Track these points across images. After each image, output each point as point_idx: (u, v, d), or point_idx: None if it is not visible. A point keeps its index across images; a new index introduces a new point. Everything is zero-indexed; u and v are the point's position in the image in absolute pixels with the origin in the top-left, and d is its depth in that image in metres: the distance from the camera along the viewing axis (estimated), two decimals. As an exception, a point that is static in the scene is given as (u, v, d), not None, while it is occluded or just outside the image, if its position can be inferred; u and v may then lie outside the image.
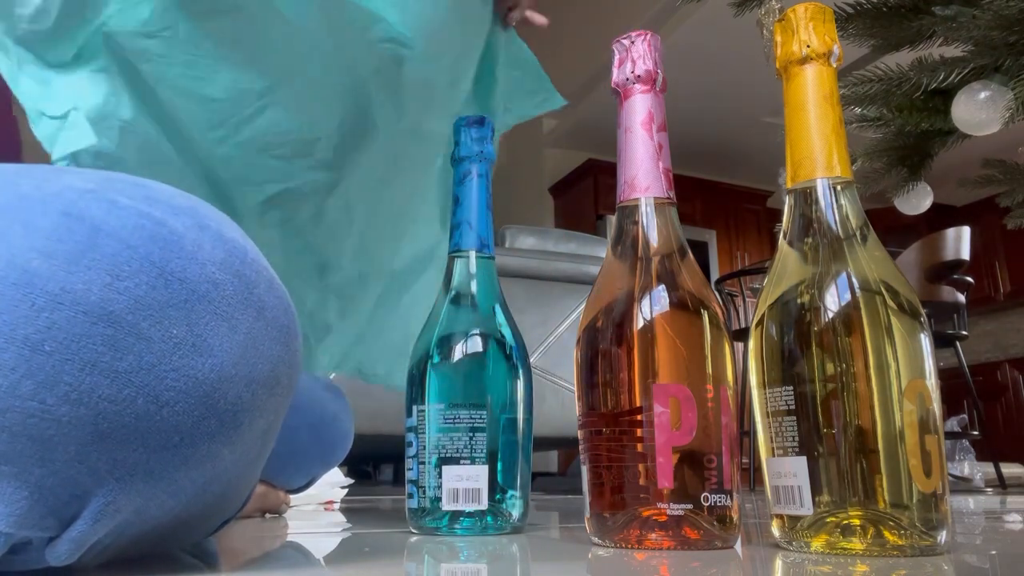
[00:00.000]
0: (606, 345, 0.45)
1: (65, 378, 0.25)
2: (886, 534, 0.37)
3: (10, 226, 0.26)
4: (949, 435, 2.33)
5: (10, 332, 0.25)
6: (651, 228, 0.47)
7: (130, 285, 0.27)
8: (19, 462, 0.25)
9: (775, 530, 0.42)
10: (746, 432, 2.40)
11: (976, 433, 2.43)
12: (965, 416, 2.64)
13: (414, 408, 0.54)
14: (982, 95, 0.90)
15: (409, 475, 0.54)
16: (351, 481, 1.13)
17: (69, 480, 0.26)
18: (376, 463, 3.18)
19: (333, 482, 1.08)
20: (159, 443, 0.27)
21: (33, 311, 0.25)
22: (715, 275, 4.20)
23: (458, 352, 0.54)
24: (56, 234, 0.26)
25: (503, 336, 0.55)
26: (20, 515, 0.26)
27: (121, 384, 0.26)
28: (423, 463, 0.52)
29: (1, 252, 0.26)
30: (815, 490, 0.39)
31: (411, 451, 0.54)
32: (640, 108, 0.48)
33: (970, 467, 2.29)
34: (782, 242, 0.45)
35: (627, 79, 0.49)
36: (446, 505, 0.51)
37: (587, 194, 4.21)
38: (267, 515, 0.78)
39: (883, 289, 0.40)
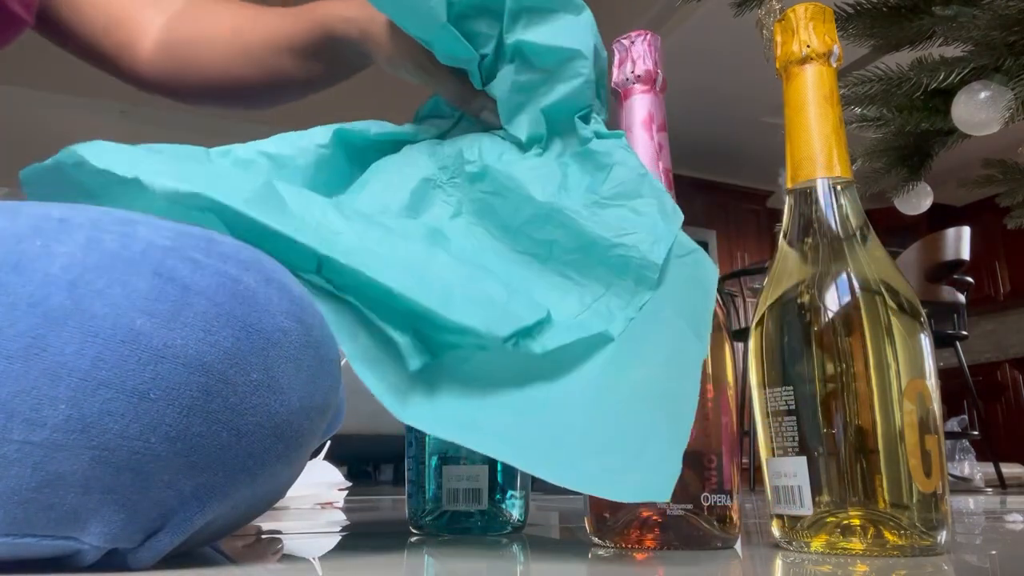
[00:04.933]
0: (606, 345, 0.45)
1: (167, 420, 0.30)
2: (886, 534, 0.37)
3: (110, 287, 0.30)
4: (949, 435, 2.33)
5: (120, 383, 0.29)
6: (651, 228, 0.47)
7: (219, 338, 0.31)
8: (120, 491, 0.30)
9: (775, 530, 0.42)
10: (746, 432, 2.40)
11: (976, 433, 2.43)
12: (965, 416, 2.63)
13: (414, 408, 0.54)
14: (982, 95, 0.90)
15: (409, 475, 0.54)
16: (350, 484, 1.13)
17: (159, 502, 0.31)
18: (376, 463, 3.18)
19: (333, 483, 1.08)
20: (236, 468, 0.32)
21: (140, 364, 0.29)
22: (715, 275, 4.19)
23: (458, 352, 0.53)
24: (153, 295, 0.30)
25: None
26: (115, 533, 0.30)
27: (211, 422, 0.31)
28: (423, 463, 0.52)
29: (108, 312, 0.29)
30: (815, 490, 0.39)
31: (411, 451, 0.54)
32: (640, 108, 0.48)
33: (970, 467, 2.29)
34: (782, 242, 0.45)
35: (627, 79, 0.49)
36: (446, 505, 0.51)
37: (587, 194, 4.20)
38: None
39: (883, 289, 0.40)
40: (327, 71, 0.60)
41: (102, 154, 0.39)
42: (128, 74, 0.67)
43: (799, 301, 0.42)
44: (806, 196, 0.44)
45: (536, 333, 0.42)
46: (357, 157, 0.53)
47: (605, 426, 0.40)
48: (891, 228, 3.67)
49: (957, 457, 2.36)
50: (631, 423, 0.39)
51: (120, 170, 0.37)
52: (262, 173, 0.49)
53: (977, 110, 0.90)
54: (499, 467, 0.52)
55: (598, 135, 0.49)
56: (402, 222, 0.47)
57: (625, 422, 0.39)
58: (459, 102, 0.53)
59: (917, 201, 1.18)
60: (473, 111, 0.53)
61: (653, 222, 0.45)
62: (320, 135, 0.51)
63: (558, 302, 0.45)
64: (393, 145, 0.53)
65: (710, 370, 0.44)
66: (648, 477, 0.36)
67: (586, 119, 0.50)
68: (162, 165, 0.39)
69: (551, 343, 0.42)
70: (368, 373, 0.41)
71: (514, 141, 0.51)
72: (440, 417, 0.41)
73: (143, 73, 0.66)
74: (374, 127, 0.53)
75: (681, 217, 0.45)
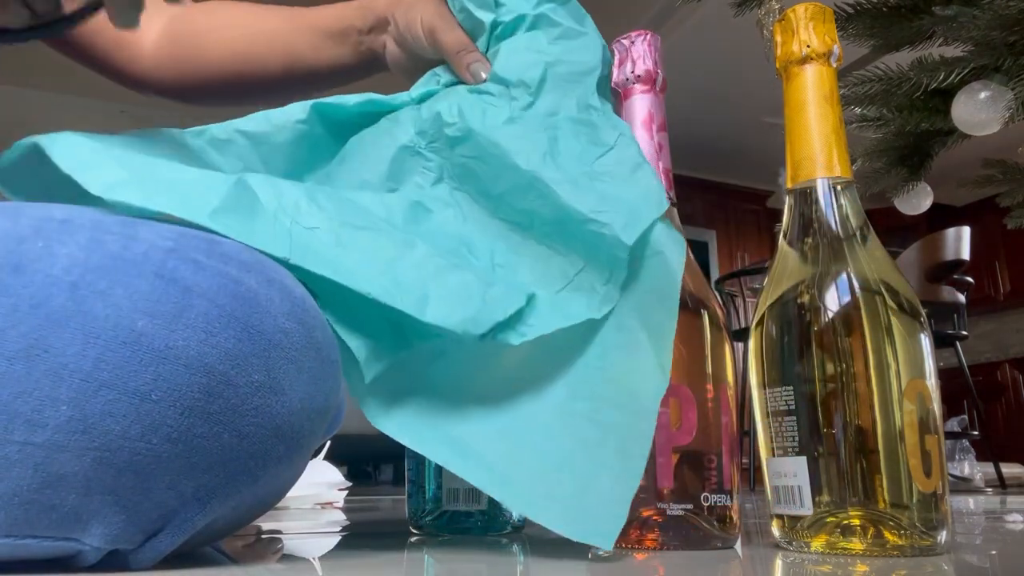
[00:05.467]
0: (606, 345, 0.45)
1: (168, 422, 0.30)
2: (886, 534, 0.37)
3: (112, 288, 0.30)
4: (949, 435, 2.33)
5: (123, 384, 0.29)
6: (651, 228, 0.47)
7: (221, 340, 0.31)
8: (121, 492, 0.30)
9: (775, 530, 0.42)
10: (746, 432, 2.40)
11: (976, 433, 2.43)
12: (965, 416, 2.63)
13: (414, 408, 0.54)
14: (982, 95, 0.90)
15: (409, 475, 0.54)
16: (350, 484, 1.13)
17: (160, 503, 0.31)
18: (376, 463, 3.18)
19: (333, 483, 1.08)
20: (237, 468, 0.32)
21: (142, 366, 0.29)
22: (715, 275, 4.20)
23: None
24: (154, 296, 0.30)
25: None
26: (116, 534, 0.30)
27: (212, 423, 0.31)
28: (423, 463, 0.52)
29: (110, 313, 0.29)
30: (815, 490, 0.39)
31: (411, 451, 0.54)
32: (640, 108, 0.48)
33: (970, 467, 2.29)
34: (782, 242, 0.45)
35: (627, 79, 0.49)
36: (446, 505, 0.51)
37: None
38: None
39: (883, 289, 0.40)
40: (351, 60, 0.59)
41: (65, 153, 0.37)
42: (123, 73, 0.65)
43: (799, 301, 0.42)
44: (806, 196, 0.44)
45: (515, 322, 0.41)
46: (338, 131, 0.52)
47: (562, 458, 0.41)
48: (891, 228, 3.67)
49: (957, 457, 2.36)
50: (586, 459, 0.40)
51: (81, 178, 0.36)
52: (239, 154, 0.48)
53: (977, 110, 0.90)
54: (499, 467, 0.52)
55: (604, 113, 0.49)
56: (382, 198, 0.46)
57: (580, 457, 0.40)
58: (457, 50, 0.52)
59: (917, 201, 1.18)
60: (465, 63, 0.51)
61: (634, 205, 0.43)
62: (298, 110, 0.50)
63: (541, 273, 0.45)
64: (374, 117, 0.52)
65: (710, 370, 0.44)
66: (595, 523, 0.38)
67: (602, 91, 0.50)
68: (127, 174, 0.37)
69: (530, 332, 0.41)
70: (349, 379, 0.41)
71: (498, 82, 0.49)
72: (411, 427, 0.42)
73: (142, 70, 0.65)
74: (353, 98, 0.51)
75: (664, 208, 0.44)
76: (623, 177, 0.45)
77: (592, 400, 0.42)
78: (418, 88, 0.53)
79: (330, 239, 0.40)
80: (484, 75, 0.50)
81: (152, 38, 0.65)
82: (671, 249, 0.43)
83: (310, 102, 0.50)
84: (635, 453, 0.39)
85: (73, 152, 0.37)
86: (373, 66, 0.60)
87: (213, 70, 0.63)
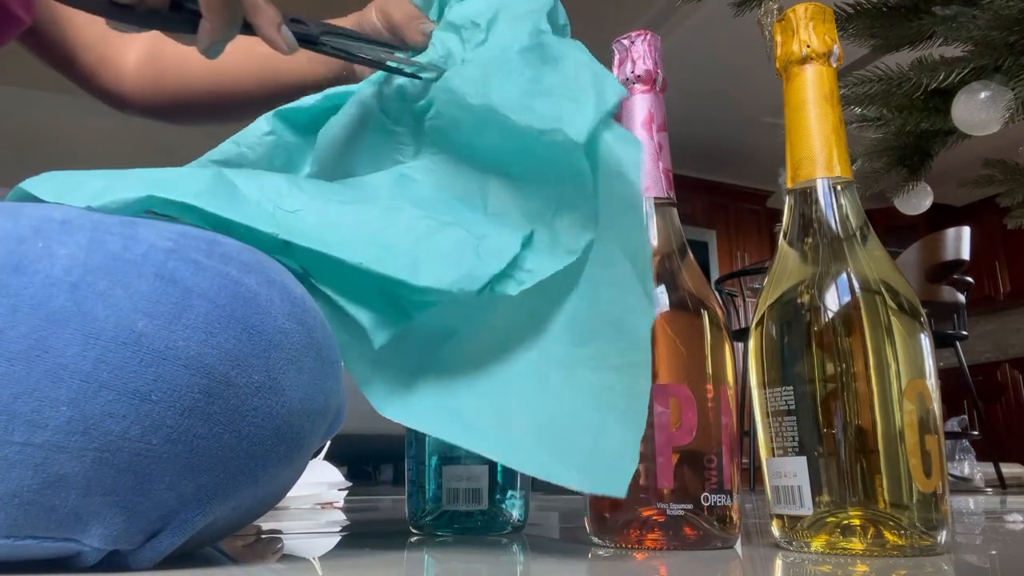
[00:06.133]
0: (606, 345, 0.45)
1: (168, 422, 0.30)
2: (886, 534, 0.37)
3: (112, 288, 0.30)
4: (949, 435, 2.33)
5: (122, 385, 0.29)
6: (651, 228, 0.47)
7: (221, 340, 0.31)
8: (121, 492, 0.30)
9: (775, 530, 0.42)
10: (746, 432, 2.40)
11: (976, 433, 2.43)
12: (965, 416, 2.63)
13: (414, 408, 0.54)
14: (982, 95, 0.90)
15: (409, 475, 0.54)
16: (350, 484, 1.13)
17: (160, 504, 0.31)
18: (376, 463, 3.18)
19: (333, 483, 1.08)
20: (237, 469, 0.32)
21: (142, 366, 0.29)
22: (715, 275, 4.19)
23: (458, 352, 0.53)
24: (155, 296, 0.30)
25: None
26: (116, 534, 0.30)
27: (212, 424, 0.31)
28: (423, 463, 0.52)
29: (110, 314, 0.30)
30: (815, 490, 0.39)
31: (411, 451, 0.54)
32: (640, 108, 0.48)
33: (970, 467, 2.29)
34: (782, 242, 0.45)
35: (627, 79, 0.49)
36: (446, 505, 0.51)
37: (587, 194, 4.20)
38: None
39: (883, 289, 0.40)
40: (325, 71, 0.60)
41: (47, 186, 0.38)
42: (107, 90, 0.66)
43: (799, 301, 0.42)
44: (806, 196, 0.44)
45: (512, 270, 0.41)
46: (306, 131, 0.52)
47: (573, 411, 0.40)
48: (891, 228, 3.67)
49: (957, 457, 2.36)
50: (595, 408, 0.39)
51: (70, 200, 0.36)
52: None
53: (977, 110, 0.90)
54: (499, 467, 0.52)
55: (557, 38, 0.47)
56: (367, 179, 0.47)
57: (590, 407, 0.40)
58: (409, 20, 0.52)
59: (917, 201, 1.18)
60: (416, 28, 0.51)
61: (584, 107, 0.41)
62: (263, 124, 0.50)
63: (532, 207, 0.44)
64: (337, 110, 0.51)
65: (710, 370, 0.44)
66: (608, 472, 0.37)
67: (553, 18, 0.49)
68: (108, 181, 0.38)
69: (528, 279, 0.41)
70: (354, 368, 0.41)
71: (448, 28, 0.49)
72: (417, 409, 0.42)
73: (126, 89, 0.66)
74: (312, 98, 0.51)
75: (618, 96, 0.41)
76: (570, 81, 0.43)
77: (593, 343, 0.41)
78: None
79: (314, 219, 0.40)
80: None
81: (134, 58, 0.65)
82: (627, 164, 0.40)
83: (271, 112, 0.51)
84: (639, 391, 0.38)
85: (54, 183, 0.38)
86: (344, 78, 0.60)
87: (192, 87, 0.64)
